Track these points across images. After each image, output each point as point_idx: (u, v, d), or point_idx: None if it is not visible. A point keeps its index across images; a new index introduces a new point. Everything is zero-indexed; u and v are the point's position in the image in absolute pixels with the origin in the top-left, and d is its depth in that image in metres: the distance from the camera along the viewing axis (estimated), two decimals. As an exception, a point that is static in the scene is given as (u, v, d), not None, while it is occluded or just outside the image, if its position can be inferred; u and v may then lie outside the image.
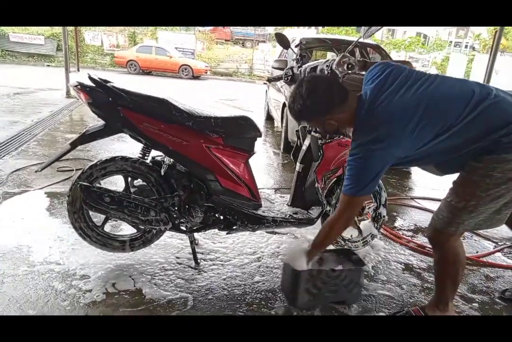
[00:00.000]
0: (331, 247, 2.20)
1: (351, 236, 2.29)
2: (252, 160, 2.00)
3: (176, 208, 1.88)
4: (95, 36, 18.63)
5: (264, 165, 4.14)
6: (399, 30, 25.02)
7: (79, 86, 1.68)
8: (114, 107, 1.70)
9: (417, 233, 2.71)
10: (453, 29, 23.98)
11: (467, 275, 2.17)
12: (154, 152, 1.94)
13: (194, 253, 2.02)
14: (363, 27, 1.89)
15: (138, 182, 1.95)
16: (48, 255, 2.01)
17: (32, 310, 1.60)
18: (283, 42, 2.15)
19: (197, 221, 1.92)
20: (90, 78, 1.70)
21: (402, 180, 3.96)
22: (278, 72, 2.27)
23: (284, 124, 4.57)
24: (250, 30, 23.03)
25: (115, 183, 2.80)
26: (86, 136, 1.79)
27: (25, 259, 1.96)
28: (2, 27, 16.18)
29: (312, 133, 2.09)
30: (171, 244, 2.22)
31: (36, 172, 2.69)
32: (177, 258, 2.09)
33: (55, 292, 1.73)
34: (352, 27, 19.12)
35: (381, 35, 22.69)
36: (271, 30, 21.79)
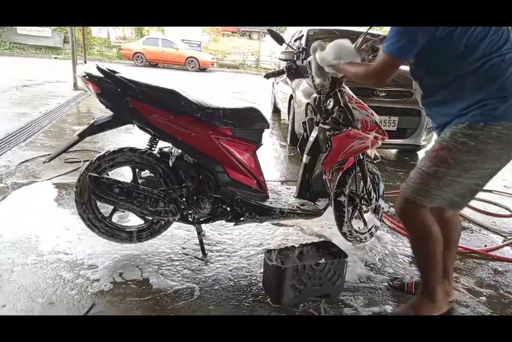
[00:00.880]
0: (315, 240, 2.18)
1: (359, 227, 2.30)
2: (258, 153, 2.00)
3: (184, 199, 1.88)
4: (101, 28, 18.66)
5: (271, 158, 4.13)
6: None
7: (87, 77, 1.68)
8: (123, 98, 1.69)
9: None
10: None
11: (475, 268, 2.16)
12: (161, 144, 1.94)
13: (201, 244, 2.03)
14: None
15: (146, 173, 1.95)
16: (56, 245, 2.03)
17: (41, 298, 1.62)
18: (277, 37, 2.14)
19: (205, 212, 1.92)
20: (99, 68, 1.69)
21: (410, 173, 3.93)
22: (285, 64, 2.25)
23: (291, 117, 4.55)
24: (257, 22, 22.83)
25: (122, 174, 2.82)
26: (95, 128, 1.78)
27: (34, 248, 1.98)
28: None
29: (320, 124, 2.08)
30: (177, 235, 2.23)
31: (44, 162, 2.73)
32: (183, 248, 2.10)
33: (63, 281, 1.75)
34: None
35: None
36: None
